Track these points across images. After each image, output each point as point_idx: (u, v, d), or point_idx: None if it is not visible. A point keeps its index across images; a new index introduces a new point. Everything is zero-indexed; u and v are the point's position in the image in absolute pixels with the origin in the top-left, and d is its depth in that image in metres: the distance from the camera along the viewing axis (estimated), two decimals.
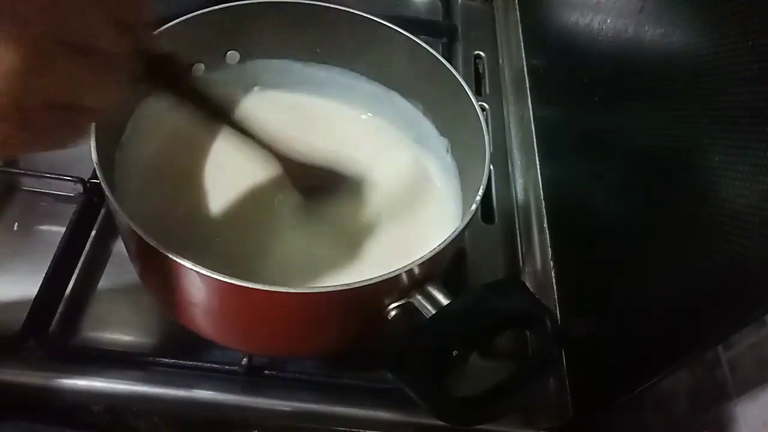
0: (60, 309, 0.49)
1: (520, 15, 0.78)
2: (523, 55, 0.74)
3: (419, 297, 0.40)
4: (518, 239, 0.61)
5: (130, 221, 0.37)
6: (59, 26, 0.26)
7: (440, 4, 0.81)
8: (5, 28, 0.25)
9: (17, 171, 0.56)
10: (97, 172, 0.39)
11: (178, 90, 0.38)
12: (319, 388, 0.48)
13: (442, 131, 0.53)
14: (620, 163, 0.48)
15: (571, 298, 0.54)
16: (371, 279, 0.37)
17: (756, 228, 0.32)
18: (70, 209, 0.53)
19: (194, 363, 0.48)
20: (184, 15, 0.48)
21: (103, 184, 0.38)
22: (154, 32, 0.41)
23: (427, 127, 0.55)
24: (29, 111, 0.27)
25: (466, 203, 0.49)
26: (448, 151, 0.53)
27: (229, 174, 0.52)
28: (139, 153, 0.50)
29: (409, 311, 0.40)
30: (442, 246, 0.39)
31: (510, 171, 0.66)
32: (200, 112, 0.40)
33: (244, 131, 0.43)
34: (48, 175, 0.55)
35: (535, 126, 0.67)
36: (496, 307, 0.41)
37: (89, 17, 0.27)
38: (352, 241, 0.50)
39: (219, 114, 0.42)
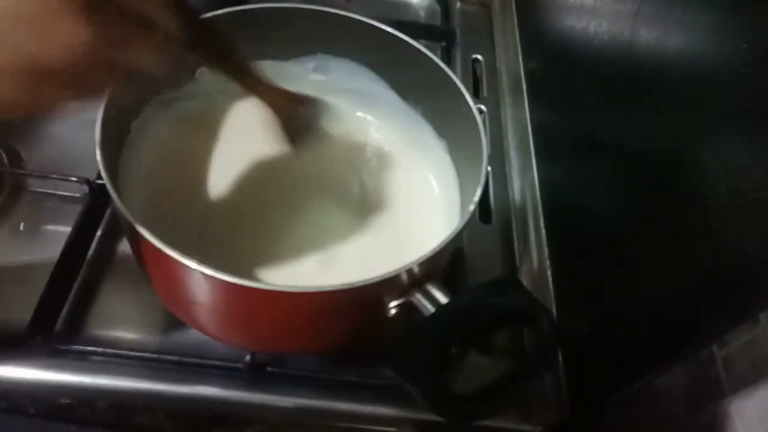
0: (66, 308, 0.50)
1: (518, 19, 0.78)
2: (520, 58, 0.74)
3: (419, 295, 0.40)
4: (515, 239, 0.62)
5: (135, 221, 0.37)
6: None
7: (439, 9, 0.81)
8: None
9: (23, 172, 0.57)
10: (102, 173, 0.39)
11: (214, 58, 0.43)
12: (321, 384, 0.49)
13: (441, 133, 0.54)
14: (615, 164, 0.49)
15: (568, 296, 0.55)
16: (372, 278, 0.38)
17: (749, 227, 0.32)
18: (76, 209, 0.53)
19: (198, 360, 0.48)
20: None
21: (108, 184, 0.39)
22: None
23: (426, 129, 0.55)
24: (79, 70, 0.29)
25: (464, 204, 0.50)
26: (446, 152, 0.53)
27: (234, 174, 0.52)
28: (144, 154, 0.51)
29: (409, 309, 0.41)
30: (441, 246, 0.40)
31: (507, 172, 0.67)
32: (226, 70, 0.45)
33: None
34: (54, 176, 0.55)
35: (531, 128, 0.67)
36: (494, 306, 0.41)
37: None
38: (352, 241, 0.51)
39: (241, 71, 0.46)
